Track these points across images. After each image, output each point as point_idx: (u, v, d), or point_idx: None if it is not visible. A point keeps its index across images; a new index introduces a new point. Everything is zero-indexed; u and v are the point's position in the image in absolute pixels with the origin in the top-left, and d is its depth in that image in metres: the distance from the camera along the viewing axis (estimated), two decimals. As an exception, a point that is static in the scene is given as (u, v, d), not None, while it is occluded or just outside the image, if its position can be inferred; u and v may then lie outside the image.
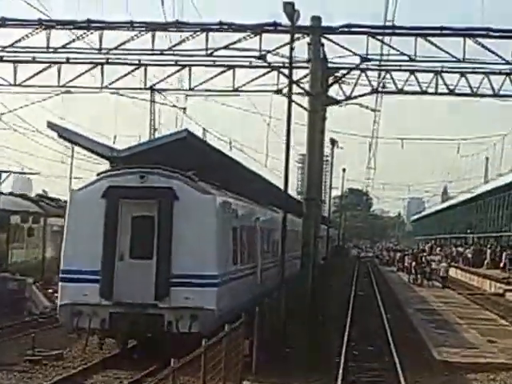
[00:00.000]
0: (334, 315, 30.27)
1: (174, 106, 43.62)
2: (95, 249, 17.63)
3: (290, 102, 25.17)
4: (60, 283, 18.51)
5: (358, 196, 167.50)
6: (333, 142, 54.61)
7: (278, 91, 36.99)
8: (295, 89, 34.71)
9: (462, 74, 40.79)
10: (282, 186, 25.67)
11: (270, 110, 42.84)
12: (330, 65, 34.20)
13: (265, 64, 34.74)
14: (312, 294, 31.97)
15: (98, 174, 18.48)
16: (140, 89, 39.40)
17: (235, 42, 33.31)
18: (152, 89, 40.06)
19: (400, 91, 41.33)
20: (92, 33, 33.42)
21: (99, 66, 35.91)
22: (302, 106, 34.89)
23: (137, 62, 37.29)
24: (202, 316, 17.50)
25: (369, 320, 28.90)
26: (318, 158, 33.09)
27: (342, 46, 32.38)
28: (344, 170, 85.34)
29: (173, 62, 37.07)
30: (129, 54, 36.11)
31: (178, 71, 37.98)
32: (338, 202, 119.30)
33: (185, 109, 45.09)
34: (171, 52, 35.57)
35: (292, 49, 26.55)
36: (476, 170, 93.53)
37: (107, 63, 36.21)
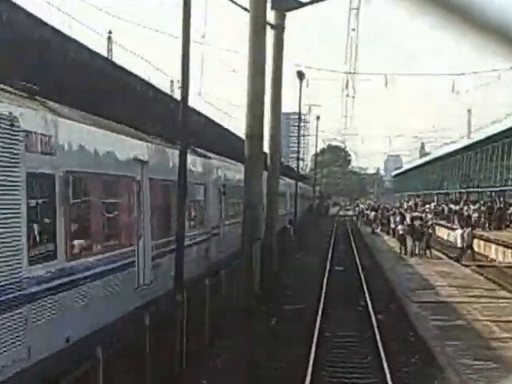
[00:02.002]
0: (294, 316, 19.23)
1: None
2: None
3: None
4: None
5: (337, 153, 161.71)
6: (300, 74, 42.98)
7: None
8: None
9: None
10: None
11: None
12: None
13: None
14: (263, 282, 20.91)
15: None
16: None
17: None
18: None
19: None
20: None
21: None
22: (240, 6, 23.93)
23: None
24: None
25: (350, 330, 17.70)
26: (263, 79, 21.67)
27: None
28: (318, 117, 74.72)
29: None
30: None
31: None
32: (317, 160, 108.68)
33: None
34: None
35: None
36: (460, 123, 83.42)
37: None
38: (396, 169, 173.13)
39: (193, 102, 30.31)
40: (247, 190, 19.87)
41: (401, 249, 37.13)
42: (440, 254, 37.89)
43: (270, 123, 27.79)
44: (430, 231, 37.76)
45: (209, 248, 20.56)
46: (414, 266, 31.90)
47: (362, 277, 28.15)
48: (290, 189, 50.64)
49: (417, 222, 36.60)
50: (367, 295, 23.44)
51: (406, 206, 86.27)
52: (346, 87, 42.21)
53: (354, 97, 43.98)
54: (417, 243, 35.40)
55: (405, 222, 41.03)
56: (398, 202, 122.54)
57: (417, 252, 35.42)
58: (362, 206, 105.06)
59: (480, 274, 30.14)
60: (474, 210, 47.81)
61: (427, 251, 35.72)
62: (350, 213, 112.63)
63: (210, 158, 21.64)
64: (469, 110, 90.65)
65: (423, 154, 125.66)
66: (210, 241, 20.90)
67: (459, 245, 34.39)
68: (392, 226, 50.63)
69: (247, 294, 18.85)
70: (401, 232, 37.23)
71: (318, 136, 77.21)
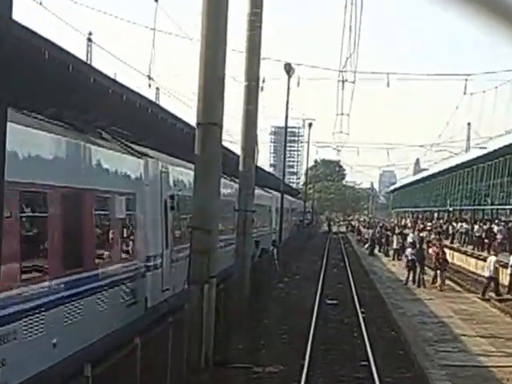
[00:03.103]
0: None
1: None
2: None
3: None
4: None
5: (330, 167, 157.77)
6: (288, 67, 36.79)
7: None
8: None
9: None
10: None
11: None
12: None
13: None
14: (223, 335, 14.54)
15: None
16: None
17: None
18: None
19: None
20: None
21: None
22: None
23: None
24: None
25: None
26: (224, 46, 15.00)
27: None
28: (310, 124, 68.68)
29: None
30: None
31: None
32: (310, 174, 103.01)
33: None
34: None
35: None
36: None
37: None
38: (391, 184, 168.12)
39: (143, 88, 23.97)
40: (196, 203, 13.42)
41: (408, 277, 30.59)
42: (451, 283, 31.64)
43: (242, 118, 21.52)
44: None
45: (139, 288, 14.11)
46: (424, 301, 25.41)
47: (361, 318, 21.77)
48: (277, 203, 44.32)
49: (433, 248, 30.18)
50: (369, 349, 17.09)
51: (403, 223, 80.00)
52: (344, 68, 34.87)
53: (353, 82, 36.83)
54: (438, 273, 29.24)
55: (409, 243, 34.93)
56: (394, 218, 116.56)
57: (438, 283, 29.03)
58: (358, 223, 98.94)
59: (503, 311, 23.80)
60: (498, 230, 41.02)
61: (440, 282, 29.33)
62: (344, 229, 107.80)
63: (147, 155, 15.23)
64: (468, 123, 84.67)
65: (418, 170, 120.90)
66: (144, 278, 14.46)
67: (487, 274, 27.81)
68: (395, 246, 44.32)
69: (190, 363, 12.39)
70: (410, 257, 30.59)
71: (309, 143, 70.95)
